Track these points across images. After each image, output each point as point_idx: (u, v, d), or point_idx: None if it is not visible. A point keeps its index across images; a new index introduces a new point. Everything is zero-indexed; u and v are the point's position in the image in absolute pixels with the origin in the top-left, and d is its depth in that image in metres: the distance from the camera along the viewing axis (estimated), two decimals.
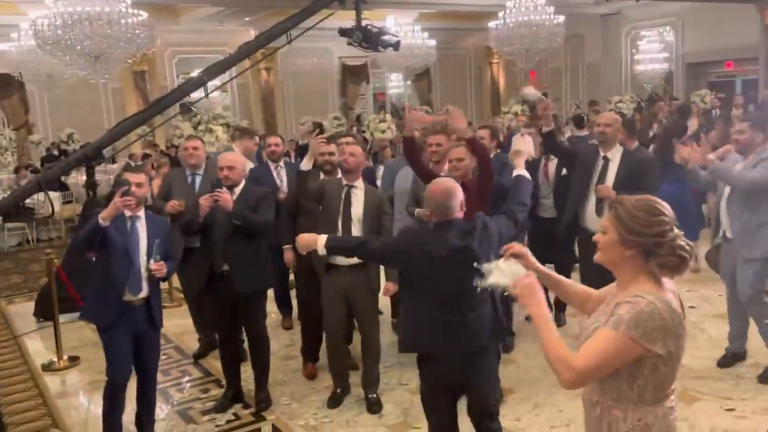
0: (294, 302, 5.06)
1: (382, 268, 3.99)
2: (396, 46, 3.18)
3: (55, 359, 4.96)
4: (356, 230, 3.88)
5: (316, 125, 6.33)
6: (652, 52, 15.36)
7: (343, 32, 3.20)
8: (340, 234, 3.84)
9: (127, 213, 3.42)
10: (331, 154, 4.26)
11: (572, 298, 2.16)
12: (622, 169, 4.29)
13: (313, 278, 4.13)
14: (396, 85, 19.88)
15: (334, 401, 4.03)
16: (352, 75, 17.70)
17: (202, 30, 15.20)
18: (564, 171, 5.00)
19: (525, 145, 3.60)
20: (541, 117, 4.60)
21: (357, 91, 18.08)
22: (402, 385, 4.27)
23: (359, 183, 3.99)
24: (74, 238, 6.58)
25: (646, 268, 1.81)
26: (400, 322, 3.02)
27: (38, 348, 5.37)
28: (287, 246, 4.39)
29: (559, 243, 4.85)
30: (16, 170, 11.12)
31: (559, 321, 4.90)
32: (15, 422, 4.00)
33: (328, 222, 3.90)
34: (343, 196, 3.93)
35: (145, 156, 11.19)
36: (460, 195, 2.82)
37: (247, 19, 14.61)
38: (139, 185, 3.44)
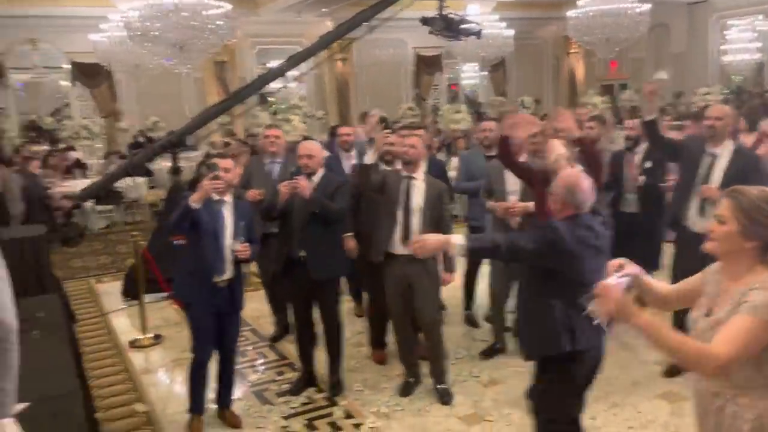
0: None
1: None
2: (478, 34, 3.16)
3: (140, 337, 5.20)
4: (416, 221, 3.90)
5: (382, 119, 6.36)
6: (741, 42, 14.58)
7: (424, 21, 3.20)
8: (400, 225, 3.89)
9: (215, 197, 3.54)
10: (391, 144, 4.28)
11: (667, 304, 2.12)
12: (732, 167, 3.92)
13: (376, 266, 4.16)
14: (470, 75, 19.68)
15: (406, 390, 4.05)
16: (426, 65, 17.63)
17: (281, 21, 15.48)
18: (648, 164, 4.83)
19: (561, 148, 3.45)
20: (649, 102, 4.35)
21: (430, 81, 17.99)
22: (473, 377, 4.25)
23: (419, 174, 4.00)
24: (164, 221, 6.88)
25: (763, 259, 1.79)
26: (541, 321, 2.78)
27: (124, 325, 5.64)
28: (348, 234, 4.44)
29: (642, 240, 4.67)
30: (106, 156, 11.68)
31: None
32: (103, 395, 4.21)
33: (388, 213, 3.95)
34: (403, 187, 3.95)
35: (225, 144, 11.53)
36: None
37: (324, 10, 14.78)
38: (226, 170, 3.56)
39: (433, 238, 2.74)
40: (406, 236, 3.89)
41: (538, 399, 2.90)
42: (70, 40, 13.82)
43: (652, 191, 4.83)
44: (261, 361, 4.76)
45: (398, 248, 3.92)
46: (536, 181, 3.73)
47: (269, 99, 9.44)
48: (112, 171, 7.44)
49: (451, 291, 4.97)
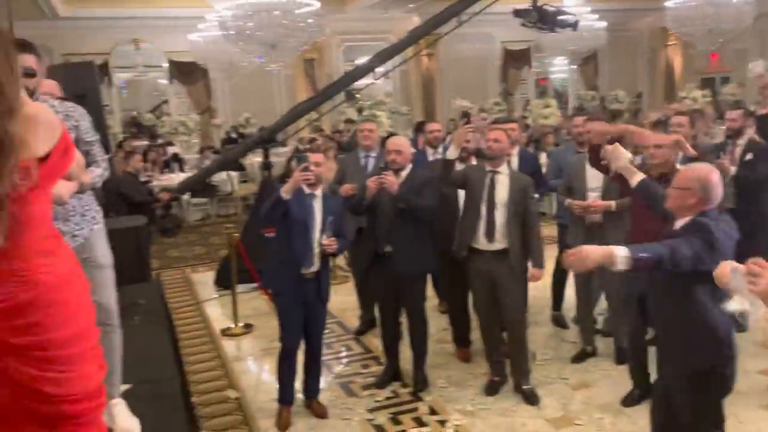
0: None
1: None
2: (575, 26, 3.07)
3: (232, 325, 5.38)
4: (500, 216, 3.84)
5: (464, 114, 6.28)
6: None
7: (518, 13, 3.14)
8: (483, 220, 3.83)
9: (306, 190, 3.61)
10: (467, 141, 4.23)
11: None
12: None
13: (457, 262, 4.12)
14: (559, 69, 19.16)
15: (492, 389, 4.00)
16: (514, 60, 17.32)
17: (368, 18, 15.61)
18: (749, 156, 4.55)
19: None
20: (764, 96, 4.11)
21: (518, 76, 17.67)
22: (562, 380, 4.15)
23: (503, 168, 3.94)
24: (255, 214, 7.11)
25: None
26: (700, 329, 2.60)
27: (217, 314, 5.86)
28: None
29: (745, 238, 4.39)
30: (200, 151, 12.18)
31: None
32: (197, 381, 4.39)
33: (472, 208, 3.91)
34: (486, 182, 3.89)
35: (312, 140, 11.78)
36: None
37: (411, 6, 14.78)
38: (317, 164, 3.63)
39: (595, 251, 2.41)
40: (489, 232, 3.85)
41: (691, 415, 2.67)
42: (170, 40, 14.47)
43: (749, 184, 4.54)
44: (347, 353, 4.83)
45: (482, 243, 3.88)
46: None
47: (356, 95, 9.55)
48: (208, 165, 7.75)
49: (539, 290, 4.87)
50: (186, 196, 9.13)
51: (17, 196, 1.70)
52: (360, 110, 13.15)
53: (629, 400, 3.77)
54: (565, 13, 3.04)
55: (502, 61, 17.43)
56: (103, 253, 3.20)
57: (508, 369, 4.07)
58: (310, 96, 9.09)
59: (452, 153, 3.93)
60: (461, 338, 4.59)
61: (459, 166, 4.15)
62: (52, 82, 3.27)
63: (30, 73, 2.69)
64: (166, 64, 15.11)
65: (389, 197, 3.89)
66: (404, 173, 3.98)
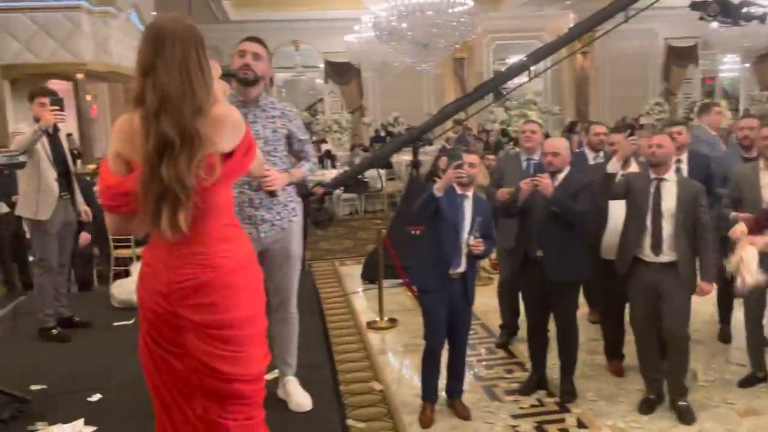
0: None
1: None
2: (763, 18, 2.78)
3: (377, 319, 5.50)
4: (668, 226, 3.59)
5: (628, 126, 5.93)
6: None
7: (695, 6, 2.91)
8: (649, 231, 3.61)
9: (458, 191, 3.61)
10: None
11: None
12: None
13: (611, 271, 3.91)
14: (730, 68, 17.67)
15: (646, 407, 3.76)
16: (678, 57, 16.22)
17: (521, 16, 15.32)
18: None
19: None
20: None
21: (682, 75, 16.54)
22: (727, 404, 3.81)
23: (670, 175, 3.67)
24: (402, 211, 7.23)
25: None
26: None
27: (363, 306, 6.02)
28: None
29: None
30: (351, 148, 12.59)
31: None
32: (343, 370, 4.52)
33: (636, 219, 3.69)
34: (651, 190, 3.64)
35: (458, 140, 11.77)
36: None
37: (567, 2, 14.31)
38: (471, 165, 3.61)
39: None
40: (656, 244, 3.62)
41: None
42: (326, 41, 15.12)
43: None
44: (490, 356, 4.76)
45: (646, 253, 3.65)
46: None
47: (505, 95, 9.38)
48: (360, 162, 7.99)
49: (702, 305, 4.52)
50: (337, 192, 9.48)
51: (201, 189, 1.85)
52: (508, 110, 12.97)
53: None
54: (752, 4, 2.76)
55: (665, 58, 16.40)
56: (296, 247, 3.44)
57: (665, 387, 3.81)
58: (460, 96, 9.06)
59: (614, 167, 3.74)
60: (614, 351, 4.36)
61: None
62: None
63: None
64: (322, 65, 15.79)
65: (543, 200, 3.78)
66: (561, 176, 3.85)
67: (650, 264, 3.64)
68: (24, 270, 6.61)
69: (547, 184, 3.73)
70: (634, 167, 4.15)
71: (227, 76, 2.81)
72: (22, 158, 3.88)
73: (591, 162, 4.90)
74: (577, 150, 5.57)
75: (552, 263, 3.81)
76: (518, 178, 4.45)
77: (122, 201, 1.91)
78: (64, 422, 3.49)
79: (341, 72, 15.46)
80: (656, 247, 3.60)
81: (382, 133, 14.63)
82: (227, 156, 1.91)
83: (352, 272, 7.20)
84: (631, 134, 5.49)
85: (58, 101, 4.54)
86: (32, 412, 3.62)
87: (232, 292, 1.93)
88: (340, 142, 14.48)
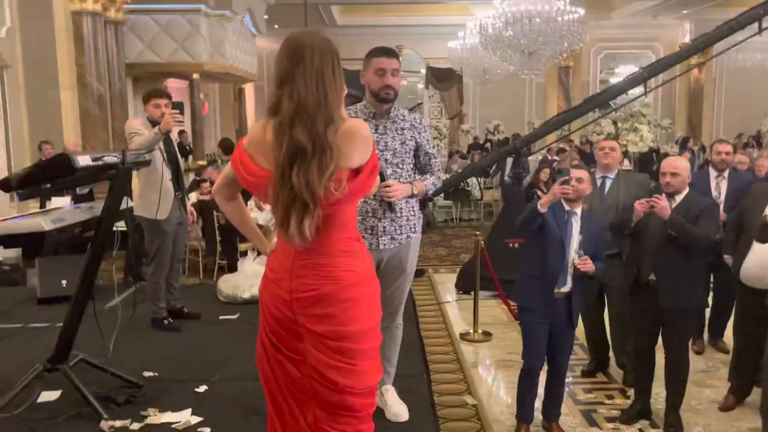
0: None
1: None
2: None
3: (471, 331, 5.45)
4: None
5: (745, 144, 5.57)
6: None
7: None
8: None
9: (566, 207, 3.51)
10: None
11: None
12: None
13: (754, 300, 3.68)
14: None
15: None
16: None
17: (632, 25, 14.78)
18: None
19: None
20: None
21: None
22: None
23: None
24: (500, 221, 7.13)
25: None
26: None
27: (456, 317, 5.98)
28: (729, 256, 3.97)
29: None
30: (450, 155, 12.55)
31: None
32: (436, 380, 4.51)
33: None
34: None
35: (561, 151, 11.46)
36: None
37: (684, 12, 13.65)
38: (579, 180, 3.50)
39: None
40: None
41: None
42: (430, 46, 15.18)
43: None
44: (590, 379, 4.60)
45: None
46: None
47: (614, 108, 9.10)
48: (462, 170, 7.96)
49: None
50: (436, 198, 9.48)
51: (327, 203, 1.89)
52: (615, 122, 12.51)
53: None
54: None
55: None
56: (411, 262, 3.48)
57: None
58: (569, 107, 8.84)
59: None
60: (738, 384, 4.08)
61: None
62: None
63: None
64: (423, 70, 15.85)
65: (658, 222, 3.62)
66: (679, 197, 3.67)
67: None
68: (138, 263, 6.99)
69: (663, 206, 3.56)
70: None
71: (353, 97, 2.86)
72: (148, 156, 4.11)
73: (712, 181, 4.65)
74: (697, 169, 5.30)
75: (666, 289, 3.63)
76: (591, 197, 4.26)
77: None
78: (173, 411, 3.68)
79: (443, 78, 15.46)
80: None
81: (481, 141, 14.51)
82: (354, 173, 1.94)
83: (444, 280, 7.17)
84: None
85: (177, 105, 4.74)
86: (144, 398, 3.84)
87: (352, 305, 1.96)
88: (438, 149, 14.48)
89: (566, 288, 3.56)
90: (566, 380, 3.96)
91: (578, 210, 3.58)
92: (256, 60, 12.78)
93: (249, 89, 16.38)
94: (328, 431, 2.00)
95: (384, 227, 3.29)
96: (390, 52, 3.31)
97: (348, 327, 1.96)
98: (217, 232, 7.25)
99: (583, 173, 3.63)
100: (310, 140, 1.86)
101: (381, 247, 3.29)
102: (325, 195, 1.87)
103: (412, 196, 3.33)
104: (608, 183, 4.39)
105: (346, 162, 1.91)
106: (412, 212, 3.40)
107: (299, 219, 1.87)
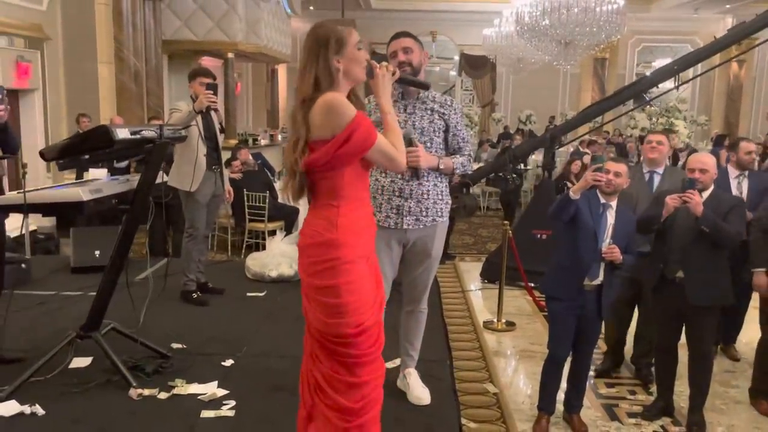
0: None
1: None
2: None
3: (494, 320, 5.46)
4: None
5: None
6: None
7: None
8: None
9: (602, 199, 3.49)
10: None
11: None
12: None
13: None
14: None
15: None
16: None
17: (672, 18, 14.48)
18: None
19: None
20: None
21: None
22: None
23: None
24: (528, 212, 7.11)
25: None
26: None
27: (480, 306, 5.99)
28: (760, 270, 3.89)
29: None
30: (479, 144, 12.49)
31: None
32: (458, 367, 4.53)
33: None
34: None
35: (591, 143, 11.34)
36: None
37: (727, 6, 13.33)
38: (617, 174, 3.47)
39: None
40: None
41: None
42: (464, 33, 15.06)
43: None
44: (612, 374, 4.59)
45: None
46: None
47: (648, 100, 8.89)
48: (495, 160, 7.93)
49: None
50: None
51: (308, 170, 2.16)
52: (650, 117, 12.31)
53: None
54: None
55: None
56: (437, 247, 3.49)
57: None
58: (601, 98, 8.72)
59: None
60: (762, 390, 4.04)
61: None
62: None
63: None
64: (456, 57, 15.73)
65: (687, 217, 3.57)
66: (706, 194, 3.63)
67: None
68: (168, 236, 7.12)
69: (697, 201, 3.52)
70: None
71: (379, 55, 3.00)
72: (184, 132, 4.19)
73: (732, 180, 4.56)
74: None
75: (693, 286, 3.60)
76: (640, 191, 4.23)
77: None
78: (199, 383, 3.76)
79: (476, 65, 15.32)
80: None
81: (511, 131, 14.39)
82: (330, 141, 2.13)
83: (469, 269, 7.18)
84: None
85: (212, 86, 4.85)
86: (172, 369, 3.94)
87: (311, 261, 2.27)
88: (470, 137, 14.45)
89: (597, 280, 3.54)
90: (590, 373, 3.95)
91: (613, 203, 3.55)
92: (290, 41, 12.80)
93: (282, 70, 16.41)
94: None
95: (410, 207, 3.31)
96: (399, 34, 3.43)
97: (311, 279, 2.25)
98: (246, 211, 7.33)
99: (621, 167, 3.59)
100: (291, 116, 2.21)
101: (405, 226, 3.31)
102: (304, 164, 2.15)
103: (438, 170, 3.34)
104: (656, 178, 4.32)
105: (316, 133, 2.14)
106: (439, 196, 3.41)
107: (285, 183, 2.26)
